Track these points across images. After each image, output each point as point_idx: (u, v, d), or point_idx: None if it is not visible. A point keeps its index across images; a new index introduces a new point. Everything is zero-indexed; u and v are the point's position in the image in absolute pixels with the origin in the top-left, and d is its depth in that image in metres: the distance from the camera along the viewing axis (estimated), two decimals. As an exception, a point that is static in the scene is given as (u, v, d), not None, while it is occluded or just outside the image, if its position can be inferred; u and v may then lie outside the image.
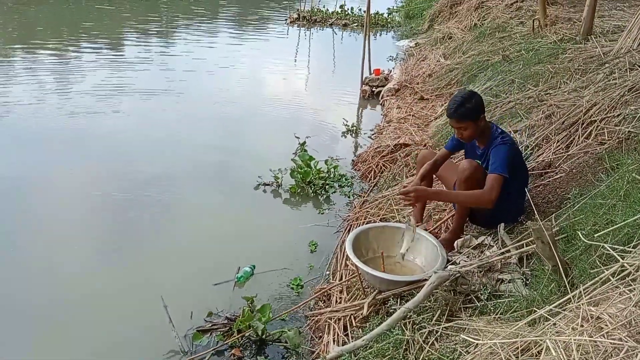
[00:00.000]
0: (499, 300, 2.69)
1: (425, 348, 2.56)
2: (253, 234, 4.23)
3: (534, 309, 2.35)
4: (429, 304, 2.82)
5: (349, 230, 4.26)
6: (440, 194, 3.28)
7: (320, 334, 3.15)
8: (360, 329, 2.99)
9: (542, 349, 1.92)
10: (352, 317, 3.11)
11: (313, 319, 3.24)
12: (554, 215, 3.05)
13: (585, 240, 2.13)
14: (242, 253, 3.91)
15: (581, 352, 1.67)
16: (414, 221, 3.18)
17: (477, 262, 2.85)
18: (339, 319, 3.14)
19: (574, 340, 1.68)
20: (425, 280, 2.92)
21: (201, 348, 3.00)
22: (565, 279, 2.06)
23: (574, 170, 3.55)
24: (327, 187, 5.05)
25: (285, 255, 3.95)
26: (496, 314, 2.60)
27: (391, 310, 2.91)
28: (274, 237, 4.21)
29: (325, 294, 3.44)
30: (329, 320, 3.15)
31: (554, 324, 1.99)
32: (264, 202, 4.83)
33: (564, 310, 2.08)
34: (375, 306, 3.07)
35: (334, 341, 2.99)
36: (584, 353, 1.66)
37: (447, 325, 2.60)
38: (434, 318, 2.72)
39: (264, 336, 3.05)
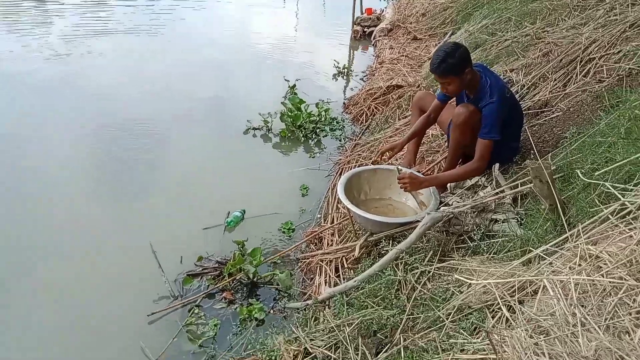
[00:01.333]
0: (492, 240, 2.65)
1: (417, 288, 2.54)
2: (243, 178, 4.15)
3: (529, 248, 2.32)
4: (421, 244, 2.78)
5: (341, 174, 4.19)
6: (434, 179, 3.15)
7: (311, 276, 3.13)
8: (352, 271, 2.97)
9: (538, 288, 1.89)
10: (343, 258, 3.08)
11: (304, 262, 3.21)
12: (550, 154, 2.97)
13: (584, 179, 2.07)
14: (232, 198, 3.84)
15: (579, 292, 1.64)
16: (405, 170, 3.09)
17: (471, 203, 2.79)
18: (331, 261, 3.11)
19: (572, 279, 1.63)
20: (418, 221, 2.87)
21: (192, 292, 2.97)
22: (563, 218, 2.01)
23: (571, 109, 3.45)
24: (318, 130, 4.94)
25: (276, 199, 3.88)
26: (489, 254, 2.57)
27: (383, 252, 2.88)
28: (264, 182, 4.13)
29: (317, 237, 3.40)
30: (321, 263, 3.12)
31: (550, 264, 1.95)
32: (253, 146, 4.72)
33: (561, 249, 2.04)
34: (367, 248, 3.04)
35: (325, 282, 2.97)
36: (582, 292, 1.62)
37: (439, 265, 2.57)
38: (426, 259, 2.69)
39: (255, 279, 3.02)
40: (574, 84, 3.83)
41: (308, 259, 3.22)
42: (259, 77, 6.31)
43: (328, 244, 3.30)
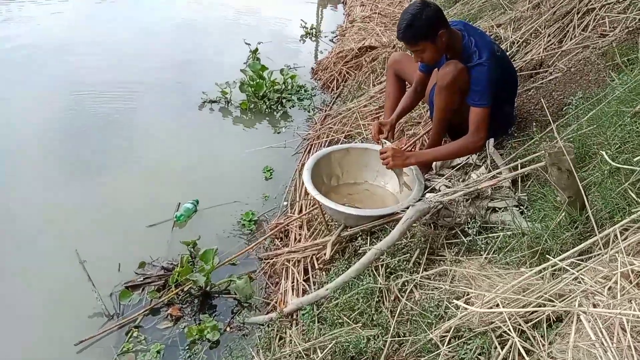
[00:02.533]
0: (491, 235, 2.19)
1: (402, 299, 2.08)
2: (196, 162, 3.59)
3: (541, 249, 1.85)
4: (404, 241, 2.31)
5: (309, 151, 3.68)
6: (423, 155, 2.63)
7: (277, 279, 2.64)
8: (323, 273, 2.49)
9: (563, 317, 1.43)
10: (314, 258, 2.60)
11: (268, 262, 2.72)
12: (555, 125, 2.48)
13: (613, 163, 1.59)
14: (183, 186, 3.30)
15: (631, 331, 1.17)
16: (389, 144, 2.58)
17: (463, 189, 2.31)
18: (299, 261, 2.62)
19: (621, 315, 1.16)
20: (400, 213, 2.39)
21: (131, 309, 2.46)
22: (592, 217, 1.53)
23: (572, 69, 2.96)
24: (283, 100, 4.38)
25: (236, 185, 3.35)
26: (488, 253, 2.10)
27: (360, 251, 2.40)
28: (222, 165, 3.58)
29: (283, 230, 2.90)
30: (287, 263, 2.63)
31: (577, 279, 1.48)
32: (210, 122, 4.14)
33: (587, 258, 1.58)
34: (340, 244, 2.55)
35: (292, 289, 2.48)
36: (637, 333, 1.16)
37: (428, 273, 2.10)
38: (412, 259, 2.22)
39: (208, 288, 2.52)
40: (571, 39, 3.34)
41: (272, 258, 2.72)
42: (215, 41, 5.61)
43: (295, 239, 2.80)
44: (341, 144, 3.46)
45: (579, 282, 1.48)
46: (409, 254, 2.24)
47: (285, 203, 3.19)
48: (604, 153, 1.64)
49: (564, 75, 2.95)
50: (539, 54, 3.37)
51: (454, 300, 1.88)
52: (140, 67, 4.81)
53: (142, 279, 2.60)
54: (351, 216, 2.45)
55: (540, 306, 1.45)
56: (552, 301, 1.46)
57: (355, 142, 2.99)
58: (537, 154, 2.29)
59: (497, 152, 2.52)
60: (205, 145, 3.79)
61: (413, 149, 3.06)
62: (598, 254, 1.52)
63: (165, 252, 2.79)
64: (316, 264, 2.56)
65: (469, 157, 2.65)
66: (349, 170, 2.84)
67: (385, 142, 2.58)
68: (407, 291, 2.11)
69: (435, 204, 2.23)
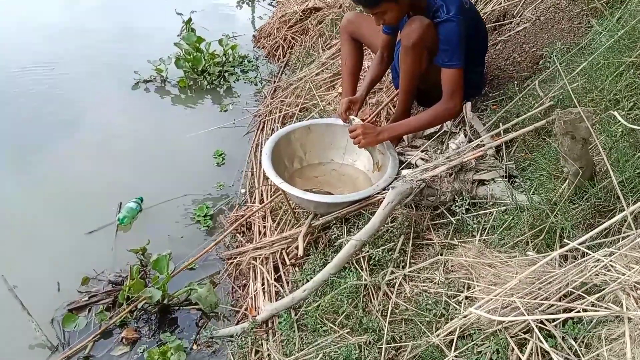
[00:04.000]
0: (481, 213, 1.96)
1: (392, 295, 1.84)
2: (135, 152, 3.18)
3: (547, 228, 1.63)
4: (385, 226, 2.05)
5: (262, 129, 3.34)
6: (396, 129, 2.33)
7: (244, 281, 2.34)
8: (296, 269, 2.21)
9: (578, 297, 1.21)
10: (283, 253, 2.31)
11: (232, 262, 2.41)
12: (537, 82, 2.26)
13: (628, 125, 1.36)
14: (123, 181, 2.92)
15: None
16: (358, 120, 2.29)
17: (444, 162, 2.06)
18: (267, 258, 2.33)
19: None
20: (377, 195, 2.13)
21: (78, 336, 2.11)
22: (617, 189, 1.30)
23: (541, 18, 2.73)
24: (226, 74, 3.98)
25: (184, 175, 2.99)
26: (482, 234, 1.88)
27: (336, 244, 2.13)
28: (165, 153, 3.19)
29: (245, 223, 2.58)
30: (254, 262, 2.33)
31: (607, 268, 1.26)
32: (146, 105, 3.71)
33: (612, 241, 1.36)
34: (312, 235, 2.27)
35: (263, 292, 2.19)
36: None
37: (418, 267, 1.86)
38: (397, 248, 1.97)
39: (165, 301, 2.20)
40: (533, -15, 3.11)
41: (236, 257, 2.42)
42: (142, 13, 5.07)
43: (260, 232, 2.50)
44: (297, 119, 3.15)
45: (608, 270, 1.26)
46: (393, 242, 1.99)
47: (243, 191, 2.87)
48: (616, 113, 1.41)
49: (533, 25, 2.73)
50: (501, 3, 3.13)
51: (457, 294, 1.65)
52: (65, 47, 4.26)
53: (87, 298, 2.24)
54: (321, 204, 2.17)
55: (571, 303, 1.23)
56: (583, 297, 1.23)
57: (316, 118, 2.68)
58: (522, 117, 2.06)
59: (476, 117, 2.27)
60: (143, 132, 3.38)
61: (378, 120, 2.78)
62: (627, 234, 1.31)
63: (111, 262, 2.43)
64: (287, 260, 2.27)
65: (443, 125, 2.41)
66: (312, 150, 2.54)
67: (353, 119, 2.30)
68: (396, 285, 1.87)
69: (417, 183, 1.97)
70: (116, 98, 3.72)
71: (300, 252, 2.10)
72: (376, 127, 2.30)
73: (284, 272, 2.25)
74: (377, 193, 2.13)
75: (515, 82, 2.43)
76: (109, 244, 2.52)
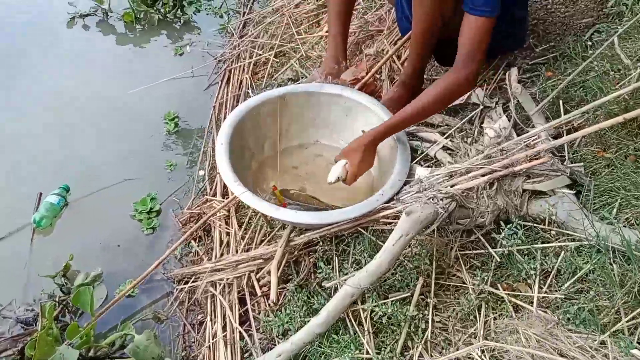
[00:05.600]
0: (538, 246, 1.32)
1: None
2: (61, 119, 2.43)
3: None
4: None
5: (228, 80, 2.60)
6: (385, 131, 1.58)
7: (200, 315, 1.73)
8: (270, 304, 1.59)
9: None
10: (252, 277, 1.68)
11: (183, 289, 1.78)
12: (615, 39, 1.54)
13: None
14: (42, 162, 2.22)
15: None
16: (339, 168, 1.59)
17: (482, 163, 1.39)
18: (230, 285, 1.71)
19: None
20: (382, 209, 1.48)
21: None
22: None
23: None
24: (184, 4, 3.13)
25: (124, 150, 2.29)
26: (542, 280, 1.26)
27: (319, 279, 1.50)
28: (100, 117, 2.44)
29: (203, 225, 1.92)
30: (212, 289, 1.71)
31: None
32: (84, 47, 2.89)
33: None
34: (291, 254, 1.64)
35: (225, 342, 1.59)
36: None
37: (441, 329, 1.25)
38: (414, 299, 1.35)
39: (92, 353, 1.59)
40: None
41: (189, 279, 1.79)
42: None
43: (221, 241, 1.86)
44: (272, 68, 2.42)
45: None
46: (407, 286, 1.37)
47: (202, 173, 2.19)
48: None
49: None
50: None
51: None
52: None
53: (-20, 352, 1.63)
54: (302, 224, 1.52)
55: None
56: None
57: (300, 84, 1.92)
58: (600, 101, 1.36)
59: (526, 91, 1.57)
60: (72, 88, 2.60)
61: (377, 79, 2.06)
62: None
63: (22, 286, 1.80)
64: (258, 289, 1.65)
65: (474, 93, 1.71)
66: (290, 129, 1.84)
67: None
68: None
69: (444, 204, 1.32)
70: (47, 39, 2.89)
71: (273, 297, 1.47)
72: (359, 143, 1.59)
73: (253, 307, 1.64)
74: (381, 206, 1.48)
75: (571, 32, 1.72)
76: (21, 257, 1.88)
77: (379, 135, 1.56)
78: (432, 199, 1.32)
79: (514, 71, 1.55)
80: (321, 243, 1.56)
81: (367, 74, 1.98)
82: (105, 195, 2.10)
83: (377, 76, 2.07)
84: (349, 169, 1.56)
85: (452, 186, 1.38)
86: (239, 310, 1.65)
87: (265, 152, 1.82)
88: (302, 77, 2.31)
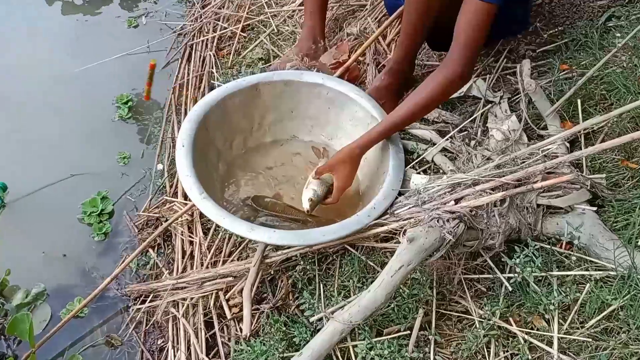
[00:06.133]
0: (555, 273, 1.14)
1: None
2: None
3: None
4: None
5: (190, 58, 2.31)
6: (371, 138, 1.35)
7: (161, 341, 1.50)
8: (240, 329, 1.38)
9: None
10: (221, 295, 1.46)
11: (140, 308, 1.54)
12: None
13: None
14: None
15: None
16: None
17: (492, 175, 1.20)
18: (194, 305, 1.48)
19: None
20: (373, 225, 1.27)
21: None
22: None
23: None
24: (137, -34, 2.78)
25: (70, 140, 1.99)
26: (562, 315, 1.08)
27: (306, 314, 1.29)
28: (42, 101, 2.13)
29: (162, 232, 1.67)
30: (173, 310, 1.48)
31: None
32: (24, 15, 2.53)
33: None
34: (266, 271, 1.42)
35: (189, 370, 1.38)
36: None
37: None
38: (412, 338, 1.16)
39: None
40: None
41: (147, 297, 1.55)
42: None
43: (184, 252, 1.62)
44: (238, 43, 2.14)
45: None
46: (404, 320, 1.18)
47: (160, 167, 1.92)
48: None
49: None
50: None
51: None
52: None
53: None
54: (279, 245, 1.29)
55: None
56: None
57: (267, 74, 1.63)
58: (628, 106, 1.16)
59: (540, 88, 1.35)
60: (9, 66, 2.26)
61: (361, 63, 1.82)
62: None
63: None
64: (227, 310, 1.43)
65: (474, 84, 1.50)
66: (263, 123, 1.59)
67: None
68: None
69: (451, 228, 1.11)
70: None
71: (247, 331, 1.25)
72: (341, 155, 1.36)
73: (222, 332, 1.43)
74: (373, 222, 1.26)
75: (583, 16, 1.51)
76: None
77: (370, 143, 1.34)
78: (437, 220, 1.11)
79: (526, 64, 1.34)
80: (302, 262, 1.35)
81: (349, 57, 1.74)
82: (49, 193, 1.82)
83: (361, 59, 1.83)
84: (334, 183, 1.34)
85: (456, 201, 1.18)
86: (206, 334, 1.43)
87: (234, 151, 1.57)
88: (273, 57, 2.05)
